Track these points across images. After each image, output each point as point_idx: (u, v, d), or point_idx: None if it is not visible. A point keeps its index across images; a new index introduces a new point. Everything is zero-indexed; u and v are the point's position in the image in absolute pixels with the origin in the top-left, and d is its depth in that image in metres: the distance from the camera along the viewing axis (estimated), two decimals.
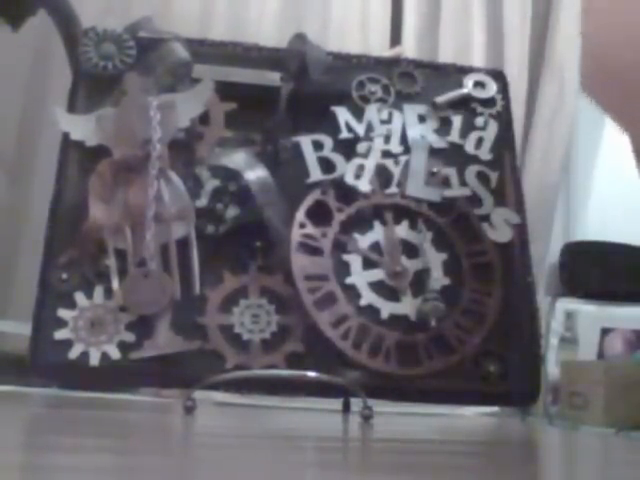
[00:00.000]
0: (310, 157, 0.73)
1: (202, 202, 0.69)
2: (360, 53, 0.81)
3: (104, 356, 0.65)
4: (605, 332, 1.09)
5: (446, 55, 1.48)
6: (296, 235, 0.69)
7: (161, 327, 0.65)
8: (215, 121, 0.72)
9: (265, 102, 0.73)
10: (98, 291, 0.66)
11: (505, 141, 0.78)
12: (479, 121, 0.78)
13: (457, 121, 0.78)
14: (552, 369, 0.90)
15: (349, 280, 0.69)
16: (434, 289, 0.69)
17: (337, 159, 0.73)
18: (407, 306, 0.68)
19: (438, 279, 0.70)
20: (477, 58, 1.51)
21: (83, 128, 0.70)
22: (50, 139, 0.78)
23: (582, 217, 1.48)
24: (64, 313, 0.65)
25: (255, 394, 0.72)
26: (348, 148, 0.73)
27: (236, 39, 0.79)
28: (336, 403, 0.70)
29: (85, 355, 0.65)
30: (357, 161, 0.73)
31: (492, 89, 0.80)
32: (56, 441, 0.39)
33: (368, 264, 0.69)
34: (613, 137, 1.80)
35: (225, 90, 0.73)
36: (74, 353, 0.64)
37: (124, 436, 0.45)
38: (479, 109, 0.79)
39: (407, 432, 0.62)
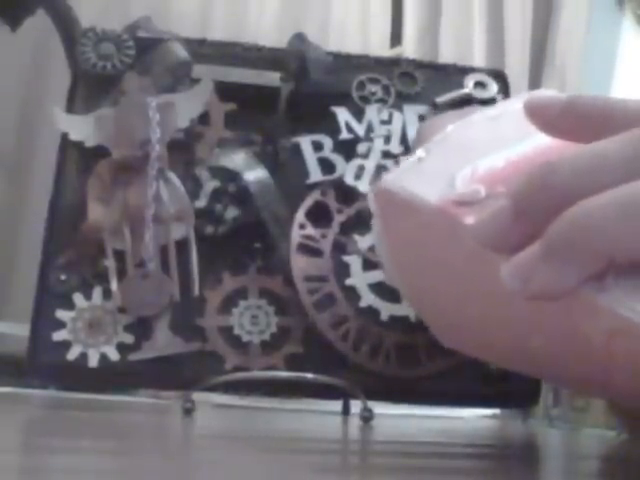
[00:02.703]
0: (310, 158, 0.72)
1: (201, 203, 0.69)
2: (360, 53, 0.81)
3: (103, 357, 0.64)
4: None
5: (447, 55, 1.48)
6: (296, 236, 0.69)
7: (160, 328, 0.65)
8: (215, 121, 0.72)
9: (265, 102, 0.73)
10: (97, 292, 0.66)
11: None
12: None
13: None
14: None
15: (349, 281, 0.68)
16: None
17: (337, 160, 0.72)
18: (407, 307, 0.68)
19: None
20: (478, 58, 1.52)
21: (82, 128, 0.70)
22: (49, 139, 0.77)
23: None
24: (62, 314, 0.65)
25: (254, 396, 0.72)
26: (348, 149, 0.73)
27: (236, 39, 0.79)
28: (336, 405, 0.70)
29: (84, 356, 0.64)
30: (357, 162, 0.72)
31: (493, 89, 0.79)
32: (54, 443, 0.38)
33: (368, 265, 0.69)
34: None
35: (225, 90, 0.72)
36: (72, 354, 0.64)
37: (123, 438, 0.45)
38: None
39: (407, 434, 0.61)
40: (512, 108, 0.40)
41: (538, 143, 0.34)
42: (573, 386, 0.34)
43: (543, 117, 0.32)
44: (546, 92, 0.33)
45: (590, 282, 0.28)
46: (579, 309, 0.28)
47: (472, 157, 0.36)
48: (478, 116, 0.41)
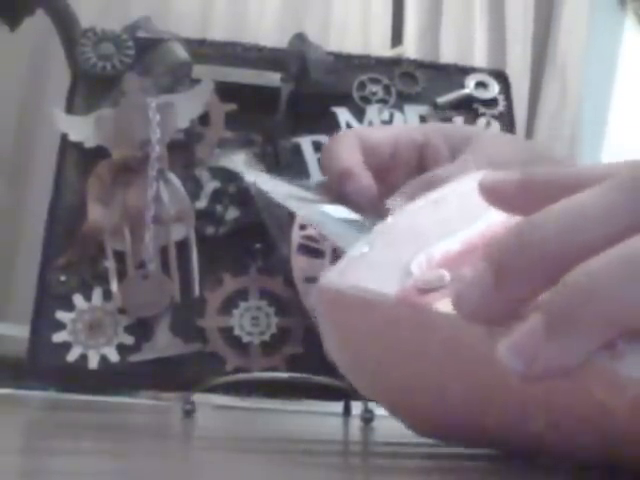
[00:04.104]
0: (310, 158, 0.72)
1: (202, 203, 0.69)
2: (361, 53, 0.81)
3: (103, 359, 0.64)
4: None
5: (448, 55, 1.48)
6: (296, 237, 0.68)
7: (160, 329, 0.65)
8: (215, 122, 0.72)
9: (265, 103, 0.73)
10: (97, 293, 0.66)
11: None
12: (481, 122, 0.78)
13: (459, 122, 0.78)
14: None
15: None
16: None
17: None
18: None
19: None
20: (479, 58, 1.52)
21: (82, 129, 0.70)
22: (48, 140, 0.77)
23: None
24: (62, 315, 0.65)
25: (255, 397, 0.72)
26: None
27: (236, 39, 0.79)
28: (337, 406, 0.70)
29: (84, 358, 0.64)
30: None
31: (494, 89, 0.79)
32: (54, 444, 0.38)
33: None
34: (616, 138, 1.79)
35: (225, 90, 0.72)
36: (72, 356, 0.64)
37: (123, 439, 0.44)
38: (481, 110, 0.79)
39: (408, 435, 0.61)
40: (453, 191, 0.39)
41: (493, 221, 0.33)
42: (577, 460, 0.32)
43: (500, 196, 0.32)
44: (497, 173, 0.33)
45: (601, 351, 0.26)
46: (595, 382, 0.26)
47: (422, 244, 0.34)
48: (419, 202, 0.40)
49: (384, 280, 0.34)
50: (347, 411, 0.69)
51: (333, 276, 0.37)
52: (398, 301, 0.33)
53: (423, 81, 0.78)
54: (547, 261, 0.27)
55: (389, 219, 0.39)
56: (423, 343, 0.33)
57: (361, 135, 0.62)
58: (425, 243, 0.34)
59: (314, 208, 0.59)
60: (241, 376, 0.64)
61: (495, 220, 0.33)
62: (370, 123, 0.74)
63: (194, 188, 0.69)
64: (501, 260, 0.28)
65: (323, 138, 0.73)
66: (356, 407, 0.66)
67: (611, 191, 0.28)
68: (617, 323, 0.26)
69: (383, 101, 0.76)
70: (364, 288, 0.34)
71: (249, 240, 0.69)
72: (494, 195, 0.32)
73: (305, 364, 0.65)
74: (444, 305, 0.31)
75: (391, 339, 0.35)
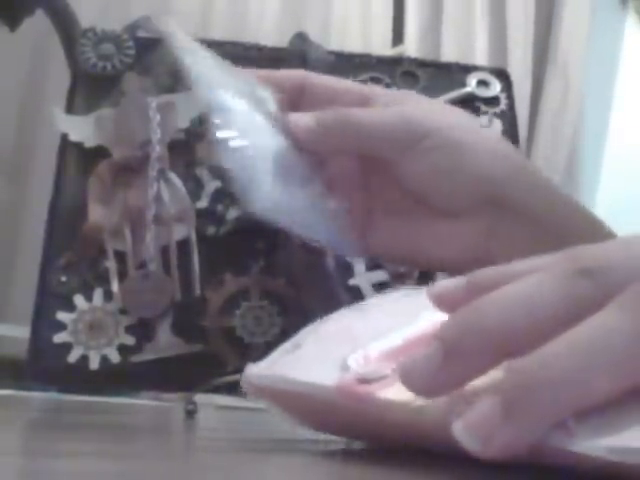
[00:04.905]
0: None
1: (203, 203, 0.69)
2: (362, 52, 0.81)
3: (104, 359, 0.64)
4: None
5: (449, 54, 1.48)
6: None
7: (161, 330, 0.65)
8: None
9: None
10: (97, 293, 0.65)
11: (509, 140, 0.78)
12: (483, 120, 0.78)
13: None
14: None
15: (352, 281, 0.68)
16: None
17: None
18: None
19: (442, 280, 0.69)
20: (480, 57, 1.51)
21: (82, 129, 0.69)
22: (48, 140, 0.77)
23: None
24: (63, 316, 0.65)
25: None
26: None
27: (236, 38, 0.79)
28: None
29: (85, 358, 0.64)
30: None
31: (496, 88, 0.79)
32: (55, 446, 0.38)
33: (372, 265, 0.69)
34: (619, 136, 1.79)
35: None
36: (73, 356, 0.64)
37: (125, 440, 0.44)
38: (483, 108, 0.78)
39: None
40: (380, 301, 0.40)
41: (434, 321, 0.34)
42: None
43: (449, 301, 0.33)
44: (445, 281, 0.33)
45: (553, 430, 0.27)
46: (550, 457, 0.28)
47: (355, 344, 0.35)
48: (345, 311, 0.40)
49: (317, 374, 0.34)
50: None
51: (261, 370, 0.37)
52: (338, 391, 0.33)
53: (424, 80, 0.78)
54: (493, 345, 0.29)
55: (316, 323, 0.39)
56: (372, 431, 0.34)
57: (309, 75, 0.61)
58: (358, 343, 0.35)
59: (211, 89, 0.58)
60: None
61: (435, 320, 0.33)
62: None
63: (195, 188, 0.69)
64: (450, 341, 0.30)
65: None
66: None
67: (554, 278, 0.30)
68: (570, 406, 0.27)
69: None
70: (295, 381, 0.35)
71: (250, 240, 0.68)
72: (443, 301, 0.33)
73: None
74: (386, 393, 0.31)
75: (332, 424, 0.36)
